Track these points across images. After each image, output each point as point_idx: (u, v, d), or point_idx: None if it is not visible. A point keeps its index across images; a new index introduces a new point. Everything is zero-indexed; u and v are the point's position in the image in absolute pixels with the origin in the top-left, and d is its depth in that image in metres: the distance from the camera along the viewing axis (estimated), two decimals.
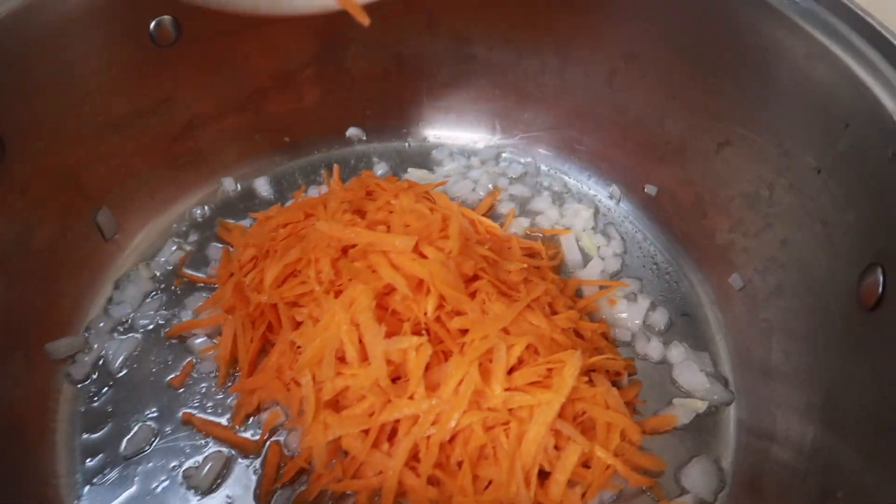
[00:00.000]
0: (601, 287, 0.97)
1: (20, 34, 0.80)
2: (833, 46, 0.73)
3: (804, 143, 0.78)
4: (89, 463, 0.82)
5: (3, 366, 0.82)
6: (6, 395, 0.81)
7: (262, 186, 1.12)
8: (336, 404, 0.79)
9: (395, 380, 0.77)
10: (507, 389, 0.75)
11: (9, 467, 0.77)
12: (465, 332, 0.79)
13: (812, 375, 0.76)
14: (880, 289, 0.65)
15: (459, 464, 0.75)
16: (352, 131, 1.19)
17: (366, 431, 0.75)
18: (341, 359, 0.78)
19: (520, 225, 1.06)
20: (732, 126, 0.89)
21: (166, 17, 0.95)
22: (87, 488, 0.80)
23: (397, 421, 0.76)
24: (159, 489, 0.80)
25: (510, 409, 0.75)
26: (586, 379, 0.81)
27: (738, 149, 0.90)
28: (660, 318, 0.95)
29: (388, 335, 0.76)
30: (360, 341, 0.77)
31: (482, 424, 0.74)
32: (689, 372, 0.89)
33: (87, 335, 0.93)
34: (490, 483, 0.74)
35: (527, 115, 1.16)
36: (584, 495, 0.76)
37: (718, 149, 0.93)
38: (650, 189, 1.05)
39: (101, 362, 0.90)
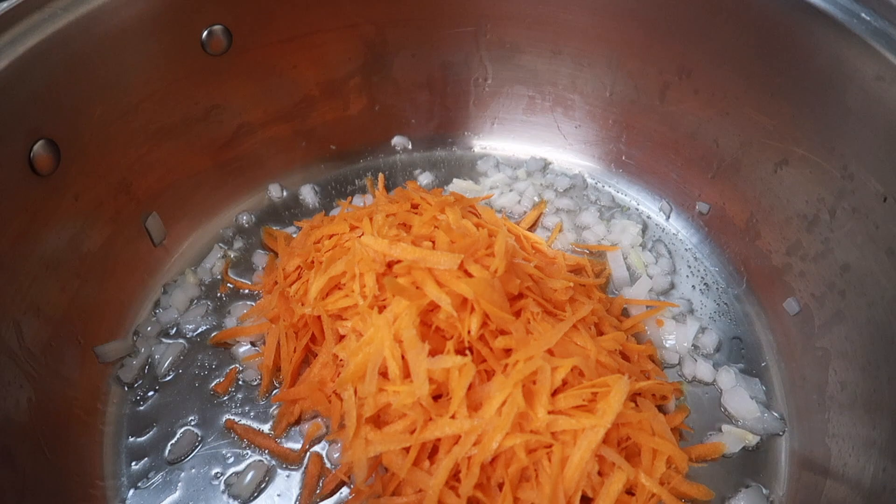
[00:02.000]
0: (648, 307, 0.95)
1: (77, 44, 0.82)
2: None
3: (871, 167, 0.75)
4: (134, 466, 0.83)
5: (54, 366, 0.84)
6: (57, 395, 0.83)
7: (308, 194, 1.12)
8: (377, 420, 0.78)
9: (437, 398, 0.76)
10: (550, 412, 0.74)
11: (57, 466, 0.79)
12: (509, 351, 0.77)
13: (873, 408, 0.73)
14: None
15: (500, 486, 0.74)
16: (397, 140, 1.19)
17: (407, 449, 0.75)
18: (384, 374, 0.77)
19: (566, 239, 1.05)
20: (791, 146, 0.86)
21: (218, 27, 0.96)
22: (131, 492, 0.81)
23: (438, 440, 0.75)
24: (201, 495, 0.80)
25: (554, 433, 0.74)
26: (632, 403, 0.79)
27: (796, 169, 0.86)
28: (709, 340, 0.92)
29: (432, 353, 0.75)
30: (403, 358, 0.76)
31: (525, 447, 0.73)
32: (739, 398, 0.86)
33: (134, 339, 0.94)
34: None
35: (575, 126, 1.14)
36: None
37: (776, 168, 0.89)
38: (702, 207, 1.02)
39: (147, 367, 0.92)
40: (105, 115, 0.90)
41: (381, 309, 0.80)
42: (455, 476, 0.74)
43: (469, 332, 0.77)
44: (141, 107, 0.94)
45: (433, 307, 0.79)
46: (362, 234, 0.87)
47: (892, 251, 0.72)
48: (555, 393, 0.76)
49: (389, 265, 0.82)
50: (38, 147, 0.80)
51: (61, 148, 0.83)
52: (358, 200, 1.11)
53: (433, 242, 0.84)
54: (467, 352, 0.77)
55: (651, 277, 0.99)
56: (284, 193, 1.13)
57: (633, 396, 0.81)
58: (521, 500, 0.73)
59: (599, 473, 0.75)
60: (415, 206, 0.95)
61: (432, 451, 0.76)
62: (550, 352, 0.78)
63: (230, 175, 1.10)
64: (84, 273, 0.91)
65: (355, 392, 0.78)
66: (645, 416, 0.78)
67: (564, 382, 0.77)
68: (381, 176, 1.14)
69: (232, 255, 1.05)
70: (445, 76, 1.14)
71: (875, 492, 0.69)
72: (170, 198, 1.03)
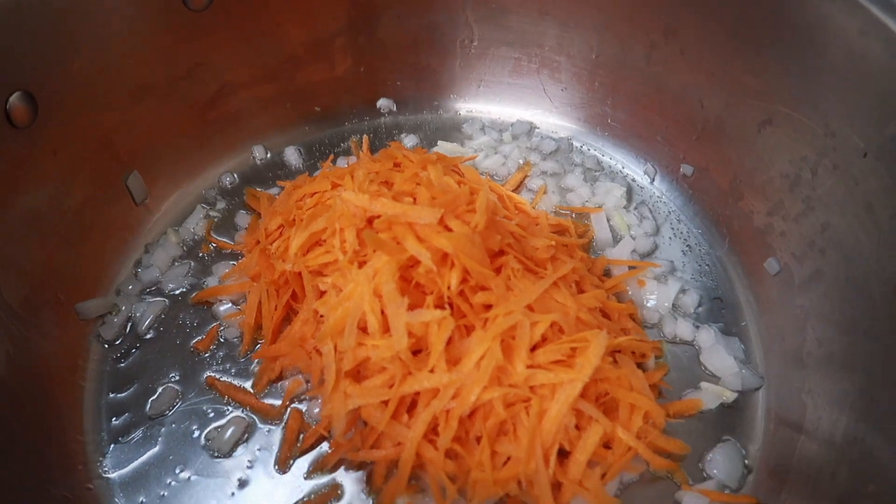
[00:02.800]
0: (630, 267, 0.95)
1: None
2: (891, 23, 0.69)
3: (852, 123, 0.75)
4: (115, 422, 0.83)
5: (34, 322, 0.83)
6: (37, 351, 0.83)
7: (292, 155, 1.12)
8: (357, 374, 0.79)
9: (416, 352, 0.76)
10: (529, 367, 0.74)
11: (38, 422, 0.79)
12: (488, 307, 0.77)
13: (848, 363, 0.74)
14: None
15: (478, 439, 0.74)
16: (382, 102, 1.18)
17: (385, 402, 0.75)
18: (363, 329, 0.77)
19: (550, 202, 1.04)
20: (775, 105, 0.86)
21: None
22: (112, 446, 0.81)
23: (417, 393, 0.75)
24: (182, 450, 0.81)
25: (532, 387, 0.74)
26: (611, 360, 0.80)
27: (780, 128, 0.86)
28: (690, 300, 0.93)
29: (411, 308, 0.75)
30: (383, 312, 0.76)
31: (503, 401, 0.73)
32: (718, 356, 0.87)
33: (115, 297, 0.94)
34: (508, 459, 0.74)
35: (561, 89, 1.14)
36: (603, 476, 0.75)
37: (759, 128, 0.89)
38: (686, 169, 1.02)
39: (129, 324, 0.91)
40: (84, 70, 0.88)
41: (362, 264, 0.80)
42: (433, 430, 0.75)
43: (449, 287, 0.77)
44: (121, 62, 0.93)
45: (413, 262, 0.78)
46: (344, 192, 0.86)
47: (870, 206, 0.72)
48: (534, 348, 0.77)
49: (370, 220, 0.82)
50: (15, 99, 0.80)
51: (38, 101, 0.82)
52: (342, 162, 1.11)
53: (414, 199, 0.84)
54: (447, 307, 0.77)
55: (634, 239, 0.99)
56: (268, 155, 1.12)
57: (613, 353, 0.82)
58: (498, 453, 0.74)
59: (577, 427, 0.75)
60: (397, 165, 0.95)
61: (411, 405, 0.77)
62: (530, 308, 0.78)
63: (214, 135, 1.09)
64: (64, 230, 0.90)
65: (335, 347, 0.78)
66: (623, 371, 0.78)
67: (544, 338, 0.77)
68: (365, 137, 1.13)
69: (214, 215, 1.04)
70: (431, 37, 1.13)
71: (845, 446, 0.70)
72: (152, 157, 1.02)
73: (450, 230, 0.78)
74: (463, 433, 0.75)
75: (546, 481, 0.72)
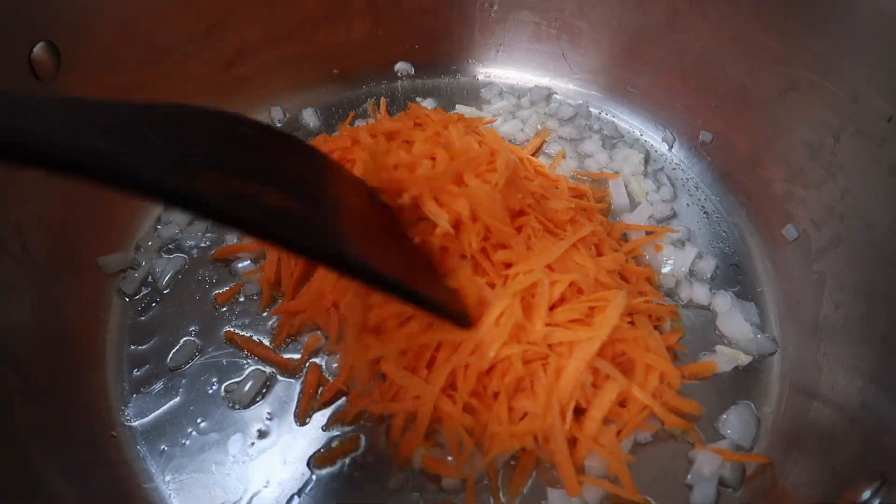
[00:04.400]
0: (648, 233, 0.95)
1: None
2: None
3: (877, 86, 0.74)
4: (136, 373, 0.84)
5: (57, 275, 0.84)
6: (60, 304, 0.84)
7: (310, 117, 1.12)
8: (377, 329, 0.79)
9: None
10: (548, 325, 0.75)
11: (62, 371, 0.80)
12: (509, 265, 0.78)
13: (864, 328, 0.74)
14: None
15: (496, 394, 0.75)
16: (400, 66, 1.17)
17: (405, 354, 0.76)
18: None
19: (567, 167, 1.04)
20: (799, 70, 0.85)
21: None
22: (134, 396, 0.82)
23: (437, 349, 0.76)
24: (202, 401, 0.82)
25: (550, 345, 0.75)
26: (629, 320, 0.80)
27: (803, 94, 0.86)
28: (707, 266, 0.93)
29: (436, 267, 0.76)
30: None
31: (521, 357, 0.74)
32: (734, 321, 0.87)
33: (136, 253, 0.95)
34: (525, 415, 0.75)
35: (580, 54, 1.13)
36: (618, 433, 0.76)
37: (782, 95, 0.89)
38: (705, 136, 1.02)
39: (149, 279, 0.92)
40: (106, 26, 0.89)
41: None
42: (452, 385, 0.76)
43: (470, 244, 0.77)
44: (143, 18, 0.93)
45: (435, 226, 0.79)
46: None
47: (894, 171, 0.72)
48: (553, 307, 0.77)
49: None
50: (39, 49, 0.80)
51: (62, 53, 0.83)
52: (360, 124, 1.11)
53: (434, 159, 0.84)
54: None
55: (651, 204, 0.99)
56: (286, 116, 1.12)
57: (631, 315, 0.82)
58: (515, 409, 0.75)
59: (593, 385, 0.76)
60: (418, 124, 0.95)
61: (430, 360, 0.78)
62: (550, 267, 0.78)
63: (231, 95, 1.09)
64: (85, 187, 0.90)
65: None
66: (640, 332, 0.79)
67: (563, 298, 0.78)
68: (382, 100, 1.13)
69: None
70: (451, 1, 1.12)
71: (858, 409, 0.71)
72: None
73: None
74: (481, 389, 0.76)
75: (562, 437, 0.73)
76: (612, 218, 0.99)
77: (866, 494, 0.52)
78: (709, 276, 0.93)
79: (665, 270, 0.93)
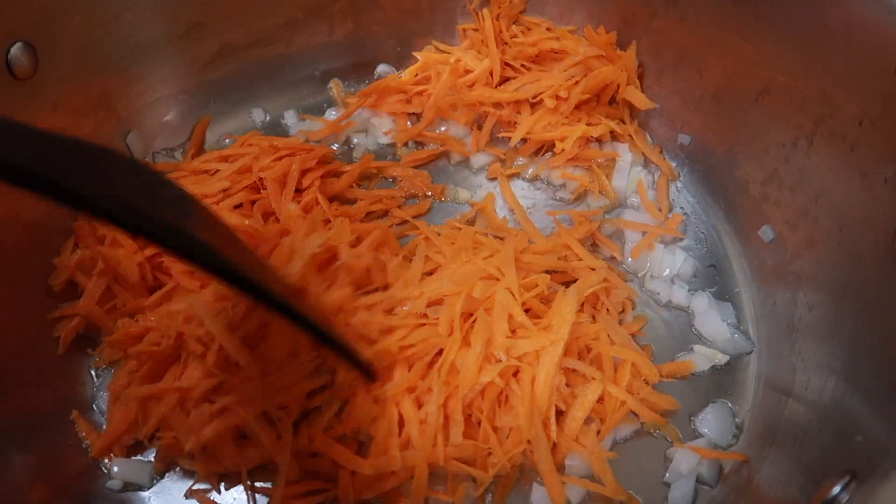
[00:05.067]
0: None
1: None
2: None
3: (849, 90, 0.76)
4: None
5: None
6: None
7: (291, 118, 1.11)
8: None
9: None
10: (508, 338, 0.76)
11: None
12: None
13: (836, 327, 0.76)
14: None
15: (479, 422, 0.75)
16: (382, 68, 1.17)
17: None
18: None
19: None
20: (773, 73, 0.87)
21: None
22: None
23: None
24: None
25: (518, 357, 0.75)
26: (591, 314, 0.82)
27: (777, 97, 0.87)
28: (687, 268, 0.94)
29: None
30: None
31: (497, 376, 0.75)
32: (711, 322, 0.88)
33: None
34: (511, 431, 0.74)
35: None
36: (598, 432, 0.77)
37: (757, 98, 0.90)
38: (683, 138, 1.03)
39: None
40: (84, 24, 0.88)
41: None
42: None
43: None
44: (121, 18, 0.92)
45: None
46: None
47: (865, 173, 0.74)
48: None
49: None
50: (16, 50, 0.79)
51: (39, 53, 0.82)
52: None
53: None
54: None
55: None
56: (267, 118, 1.12)
57: (595, 309, 0.84)
58: (500, 429, 0.75)
59: (568, 385, 0.77)
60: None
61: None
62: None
63: (212, 96, 1.08)
64: None
65: None
66: (601, 326, 0.80)
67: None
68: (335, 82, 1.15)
69: None
70: (432, 2, 1.13)
71: (830, 406, 0.72)
72: (151, 116, 1.02)
73: None
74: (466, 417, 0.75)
75: (546, 445, 0.73)
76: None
77: (836, 490, 0.54)
78: (689, 277, 0.94)
79: (654, 272, 0.93)
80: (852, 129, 0.76)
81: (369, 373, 0.70)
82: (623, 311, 0.87)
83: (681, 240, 0.97)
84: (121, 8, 0.92)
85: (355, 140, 1.09)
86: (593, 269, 0.87)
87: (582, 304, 0.82)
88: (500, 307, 0.77)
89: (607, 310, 0.85)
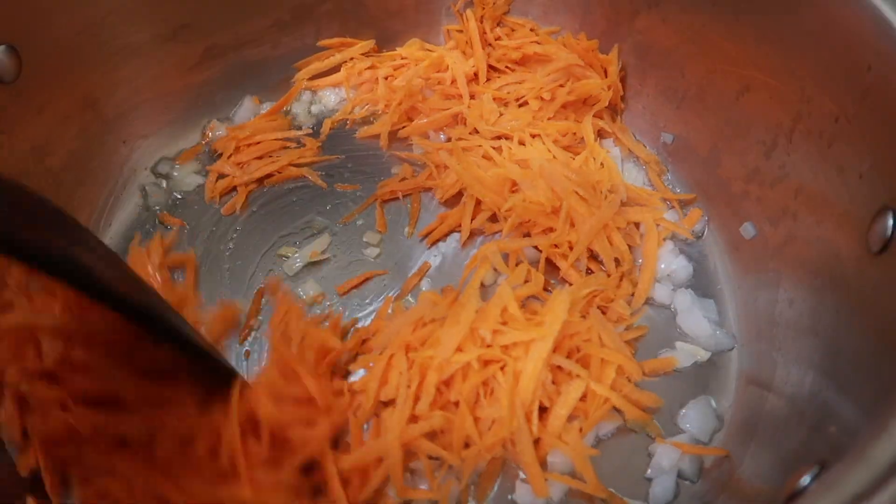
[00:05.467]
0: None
1: None
2: None
3: (826, 87, 0.76)
4: None
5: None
6: None
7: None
8: None
9: None
10: (496, 331, 0.77)
11: None
12: None
13: (815, 322, 0.76)
14: (889, 232, 0.64)
15: (456, 404, 0.75)
16: None
17: None
18: None
19: None
20: (753, 72, 0.87)
21: None
22: None
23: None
24: None
25: (504, 347, 0.76)
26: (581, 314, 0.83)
27: (757, 95, 0.88)
28: (683, 271, 0.94)
29: None
30: None
31: (479, 362, 0.75)
32: (693, 319, 0.89)
33: None
34: (493, 423, 0.75)
35: None
36: (580, 429, 0.77)
37: (737, 96, 0.91)
38: (666, 137, 1.04)
39: None
40: (69, 26, 0.89)
41: None
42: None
43: None
44: (107, 20, 0.93)
45: None
46: None
47: (842, 168, 0.74)
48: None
49: None
50: (0, 53, 0.80)
51: (23, 56, 0.83)
52: None
53: None
54: None
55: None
56: (253, 119, 1.12)
57: (585, 309, 0.85)
58: (481, 419, 0.75)
59: (554, 382, 0.77)
60: None
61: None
62: None
63: (199, 99, 1.09)
64: (47, 189, 0.90)
65: None
66: (593, 325, 0.80)
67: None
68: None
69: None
70: (417, 4, 1.13)
71: (808, 400, 0.73)
72: (137, 118, 1.02)
73: None
74: (440, 399, 0.76)
75: (528, 439, 0.73)
76: None
77: (805, 480, 0.54)
78: (685, 279, 0.94)
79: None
80: (829, 125, 0.77)
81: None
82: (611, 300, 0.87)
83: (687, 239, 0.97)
84: (107, 10, 0.92)
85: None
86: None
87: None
88: (498, 297, 0.78)
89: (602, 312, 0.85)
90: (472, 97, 1.05)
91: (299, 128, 1.10)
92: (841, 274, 0.73)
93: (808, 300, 0.79)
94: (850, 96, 0.73)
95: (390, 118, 1.05)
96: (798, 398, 0.74)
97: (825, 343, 0.74)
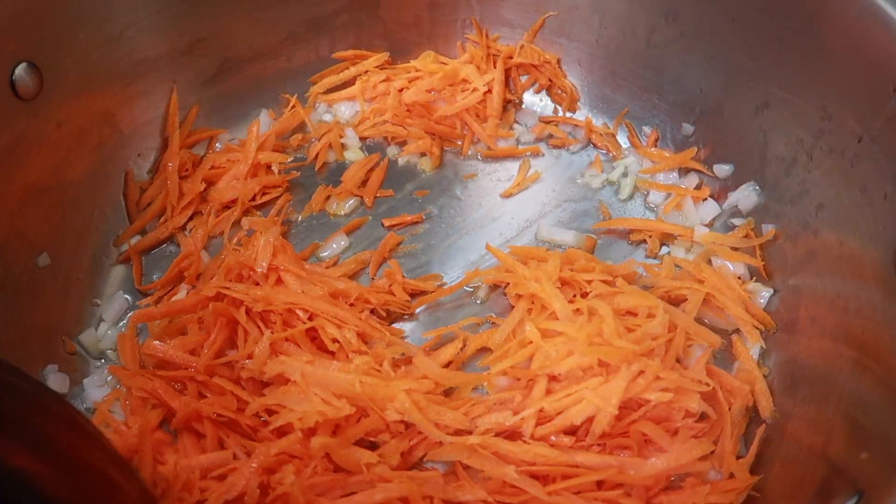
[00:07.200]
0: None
1: None
2: (887, 7, 0.71)
3: (849, 107, 0.77)
4: None
5: (37, 291, 0.85)
6: (38, 324, 0.84)
7: None
8: None
9: None
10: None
11: None
12: None
13: (839, 340, 0.76)
14: None
15: None
16: None
17: None
18: None
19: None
20: (773, 88, 0.88)
21: None
22: None
23: None
24: None
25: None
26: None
27: (777, 112, 0.88)
28: None
29: None
30: None
31: None
32: None
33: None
34: None
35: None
36: None
37: (756, 111, 0.91)
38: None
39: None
40: (88, 42, 0.89)
41: None
42: None
43: None
44: (124, 35, 0.93)
45: None
46: None
47: (865, 188, 0.75)
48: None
49: None
50: (20, 70, 0.80)
51: (43, 73, 0.83)
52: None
53: None
54: None
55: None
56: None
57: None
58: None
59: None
60: None
61: None
62: None
63: (215, 112, 1.09)
64: (67, 203, 0.90)
65: None
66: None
67: None
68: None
69: None
70: (433, 16, 1.13)
71: (832, 424, 0.72)
72: (154, 131, 1.02)
73: None
74: None
75: None
76: None
77: None
78: None
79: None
80: (852, 144, 0.77)
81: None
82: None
83: None
84: (124, 25, 0.93)
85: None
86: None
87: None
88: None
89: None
90: None
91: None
92: (866, 295, 0.73)
93: (831, 319, 0.79)
94: (875, 117, 0.73)
95: None
96: (822, 422, 0.74)
97: (850, 363, 0.73)
